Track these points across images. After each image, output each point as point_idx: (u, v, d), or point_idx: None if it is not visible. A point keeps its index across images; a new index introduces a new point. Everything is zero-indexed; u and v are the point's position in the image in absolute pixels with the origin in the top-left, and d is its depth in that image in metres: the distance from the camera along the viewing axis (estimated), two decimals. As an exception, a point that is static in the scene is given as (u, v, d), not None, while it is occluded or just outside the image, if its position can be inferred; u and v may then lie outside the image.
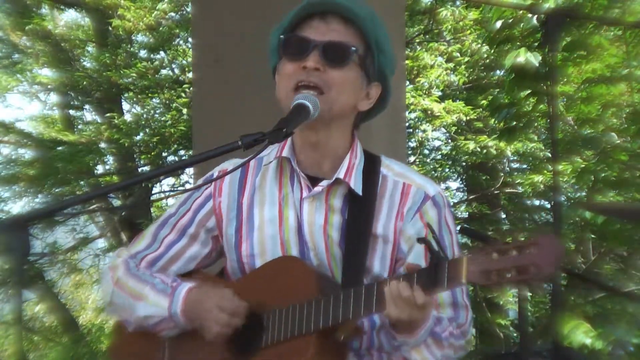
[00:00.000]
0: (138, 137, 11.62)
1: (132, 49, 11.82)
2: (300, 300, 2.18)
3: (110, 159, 12.26)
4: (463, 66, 10.77)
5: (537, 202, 10.56)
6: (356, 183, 2.31)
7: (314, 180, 2.32)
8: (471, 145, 10.08)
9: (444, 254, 2.00)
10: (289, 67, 2.28)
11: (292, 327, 2.19)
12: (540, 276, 1.85)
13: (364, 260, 2.26)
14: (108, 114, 11.60)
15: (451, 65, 10.77)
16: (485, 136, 10.15)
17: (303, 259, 2.29)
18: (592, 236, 8.82)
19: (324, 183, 2.31)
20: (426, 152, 11.54)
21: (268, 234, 2.33)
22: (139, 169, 11.91)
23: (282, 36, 2.30)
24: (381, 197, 2.32)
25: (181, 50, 11.58)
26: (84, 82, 11.49)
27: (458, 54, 10.73)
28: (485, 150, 10.05)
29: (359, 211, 2.29)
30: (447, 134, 11.28)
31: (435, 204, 2.33)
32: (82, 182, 11.32)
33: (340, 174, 2.30)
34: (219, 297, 2.27)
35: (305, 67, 2.24)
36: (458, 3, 10.88)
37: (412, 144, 11.07)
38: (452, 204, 11.26)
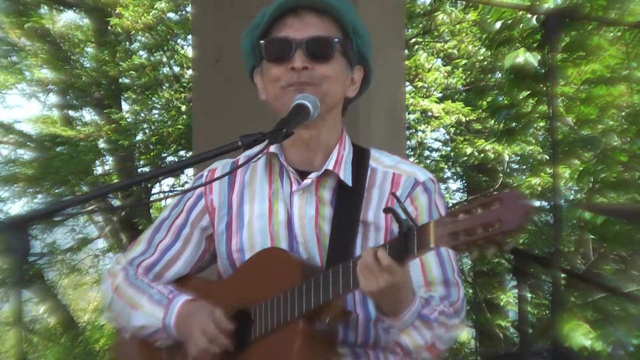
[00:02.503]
0: (137, 138, 11.64)
1: (131, 47, 11.83)
2: (284, 290, 2.18)
3: (109, 160, 12.27)
4: (460, 69, 10.79)
5: (537, 203, 10.56)
6: (345, 174, 2.32)
7: (303, 175, 2.33)
8: (468, 150, 10.11)
9: (413, 221, 1.99)
10: (275, 70, 2.29)
11: (278, 317, 2.19)
12: (506, 230, 1.82)
13: (350, 247, 2.25)
14: (106, 110, 11.62)
15: (449, 68, 10.80)
16: (483, 140, 10.17)
17: (286, 249, 2.30)
18: (592, 237, 8.82)
19: (313, 175, 2.31)
20: (426, 153, 11.56)
21: (257, 228, 2.34)
22: (139, 170, 11.92)
23: (262, 41, 2.30)
24: (370, 187, 2.32)
25: (180, 50, 11.59)
26: (82, 78, 11.49)
27: (455, 51, 10.75)
28: (482, 154, 10.08)
29: (348, 201, 2.30)
30: (447, 135, 11.30)
31: (426, 189, 2.34)
32: (81, 182, 11.32)
33: (330, 165, 2.31)
34: (205, 318, 2.26)
35: (293, 68, 2.25)
36: (458, 4, 10.89)
37: (412, 144, 11.09)
38: (451, 205, 11.28)
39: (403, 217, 1.99)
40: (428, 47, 11.04)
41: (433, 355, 2.21)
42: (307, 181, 2.31)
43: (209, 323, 2.25)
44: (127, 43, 11.78)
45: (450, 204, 10.96)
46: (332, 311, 2.16)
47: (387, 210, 2.05)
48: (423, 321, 2.15)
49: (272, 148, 2.32)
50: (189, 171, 8.33)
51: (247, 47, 2.37)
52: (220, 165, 2.44)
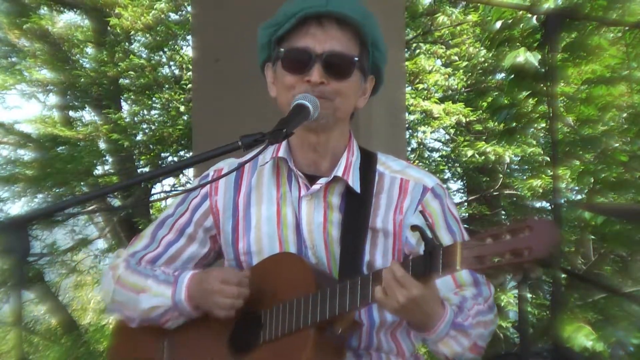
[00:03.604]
0: (137, 138, 11.64)
1: (130, 47, 11.83)
2: (297, 296, 2.18)
3: (109, 160, 12.27)
4: (461, 70, 10.79)
5: (537, 204, 10.58)
6: (354, 180, 2.32)
7: (311, 179, 2.33)
8: (469, 152, 10.12)
9: (438, 241, 1.99)
10: (290, 79, 2.28)
11: (290, 322, 2.18)
12: (534, 259, 1.82)
13: (361, 255, 2.26)
14: (105, 110, 11.62)
15: (449, 70, 10.79)
16: (483, 142, 10.18)
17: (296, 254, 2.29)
18: (592, 237, 8.83)
19: (322, 181, 2.31)
20: (427, 154, 11.57)
21: (265, 232, 2.33)
22: (138, 170, 11.91)
23: (281, 49, 2.29)
24: (378, 193, 2.32)
25: (179, 50, 11.59)
26: (82, 80, 11.49)
27: (456, 57, 10.76)
28: (483, 157, 10.09)
29: (357, 207, 2.30)
30: (447, 136, 11.31)
31: (435, 195, 2.34)
32: (81, 183, 11.32)
33: (339, 171, 2.31)
34: (220, 273, 2.27)
35: (309, 81, 2.24)
36: (459, 6, 10.89)
37: (413, 145, 11.10)
38: (455, 204, 11.25)
39: (429, 236, 1.99)
40: (429, 52, 11.04)
41: (475, 354, 2.23)
42: (315, 187, 2.31)
43: (226, 274, 2.26)
44: (127, 43, 11.77)
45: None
46: (345, 322, 2.16)
47: (414, 227, 2.04)
48: (458, 330, 2.16)
49: (281, 152, 2.33)
50: (189, 171, 8.33)
51: (263, 41, 2.35)
52: (226, 165, 2.43)
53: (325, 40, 2.25)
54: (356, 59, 2.27)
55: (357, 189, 2.31)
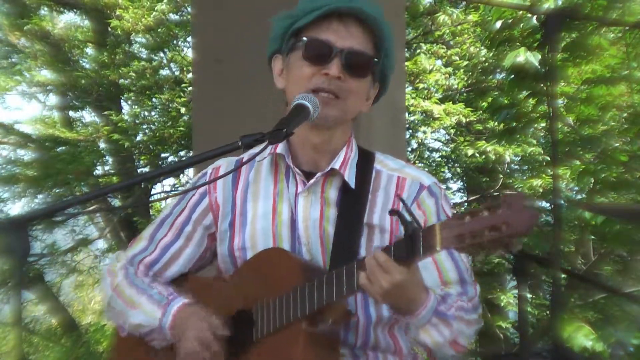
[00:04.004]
0: (138, 138, 11.64)
1: (131, 48, 11.84)
2: (287, 291, 2.18)
3: (109, 160, 12.27)
4: (462, 70, 10.79)
5: (538, 204, 10.58)
6: (350, 176, 2.32)
7: (308, 176, 2.33)
8: (469, 152, 10.12)
9: (418, 223, 1.99)
10: (307, 69, 2.28)
11: (280, 317, 2.19)
12: (513, 234, 1.82)
13: (354, 250, 2.26)
14: (106, 112, 11.62)
15: (450, 69, 10.80)
16: (484, 141, 10.18)
17: (288, 250, 2.30)
18: (592, 237, 8.83)
19: (319, 174, 2.31)
20: (427, 154, 11.57)
21: (260, 227, 2.34)
22: (138, 170, 11.92)
23: (304, 38, 2.29)
24: (375, 190, 2.33)
25: (180, 51, 11.59)
26: (82, 81, 11.49)
27: (457, 57, 10.76)
28: (484, 156, 10.09)
29: (352, 203, 2.30)
30: (447, 136, 11.31)
31: (431, 193, 2.35)
32: (82, 183, 11.32)
33: (336, 164, 2.32)
34: (200, 323, 2.27)
35: (327, 74, 2.25)
36: (459, 6, 10.89)
37: (413, 145, 11.10)
38: (451, 205, 11.25)
39: (408, 220, 1.99)
40: (430, 52, 11.05)
41: (457, 352, 2.22)
42: (312, 181, 2.31)
43: (204, 328, 2.26)
44: (128, 45, 11.77)
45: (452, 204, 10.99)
46: (335, 312, 2.17)
47: (392, 212, 2.05)
48: (440, 318, 2.16)
49: (279, 149, 2.33)
50: (190, 171, 8.34)
51: (278, 32, 2.35)
52: (225, 163, 2.43)
53: (346, 37, 2.27)
54: (376, 60, 2.29)
55: (352, 184, 2.31)
